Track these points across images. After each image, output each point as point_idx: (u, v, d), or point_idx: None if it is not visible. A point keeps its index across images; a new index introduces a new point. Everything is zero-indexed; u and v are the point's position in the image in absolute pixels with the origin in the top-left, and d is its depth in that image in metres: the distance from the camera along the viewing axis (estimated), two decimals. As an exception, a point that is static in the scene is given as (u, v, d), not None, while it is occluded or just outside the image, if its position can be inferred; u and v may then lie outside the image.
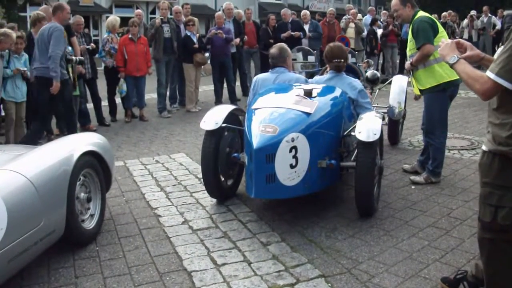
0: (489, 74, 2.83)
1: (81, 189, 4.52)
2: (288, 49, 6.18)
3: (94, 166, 4.70)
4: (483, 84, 2.86)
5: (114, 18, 10.96)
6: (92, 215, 4.68)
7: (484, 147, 3.07)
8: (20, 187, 3.68)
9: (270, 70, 6.16)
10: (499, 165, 2.95)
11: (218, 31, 11.48)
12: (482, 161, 3.07)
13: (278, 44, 6.35)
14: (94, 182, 4.73)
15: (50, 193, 3.93)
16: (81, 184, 4.52)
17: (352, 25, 14.89)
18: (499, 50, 2.99)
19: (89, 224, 4.59)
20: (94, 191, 4.73)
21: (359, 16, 16.33)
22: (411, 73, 6.04)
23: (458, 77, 5.72)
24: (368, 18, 16.58)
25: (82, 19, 10.06)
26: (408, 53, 6.03)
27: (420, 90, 5.99)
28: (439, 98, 5.82)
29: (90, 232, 4.55)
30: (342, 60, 5.77)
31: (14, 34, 7.73)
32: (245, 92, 13.27)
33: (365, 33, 15.27)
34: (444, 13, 17.97)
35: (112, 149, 5.27)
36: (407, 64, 6.07)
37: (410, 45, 5.92)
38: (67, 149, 4.44)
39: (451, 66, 3.17)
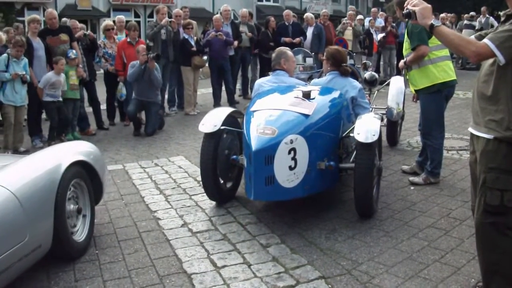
0: (489, 43, 3.00)
1: (71, 201, 4.31)
2: (288, 52, 6.20)
3: (83, 176, 4.49)
4: (479, 48, 3.04)
5: (106, 22, 11.05)
6: (82, 228, 4.47)
7: (486, 135, 3.15)
8: (3, 201, 3.45)
9: (271, 73, 6.20)
10: (505, 150, 3.08)
11: (219, 33, 11.47)
12: (487, 148, 3.16)
13: (280, 47, 6.43)
14: (83, 193, 4.54)
15: (36, 206, 3.72)
16: (71, 196, 4.31)
17: (349, 27, 14.89)
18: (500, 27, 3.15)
19: (80, 237, 4.38)
20: (83, 203, 4.53)
21: (360, 16, 16.31)
22: (404, 73, 6.09)
23: (453, 78, 5.77)
24: (380, 21, 16.63)
25: (78, 23, 10.12)
26: (404, 52, 6.06)
27: (416, 91, 6.02)
28: (435, 99, 5.83)
29: (80, 245, 4.34)
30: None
31: (3, 36, 7.78)
32: (245, 95, 13.27)
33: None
34: (442, 15, 18.00)
35: (103, 158, 5.09)
36: (401, 63, 6.10)
37: (406, 45, 5.95)
38: (54, 159, 4.20)
39: (434, 28, 3.19)
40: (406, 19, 3.48)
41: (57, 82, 8.55)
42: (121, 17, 11.75)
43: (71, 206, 4.27)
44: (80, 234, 4.41)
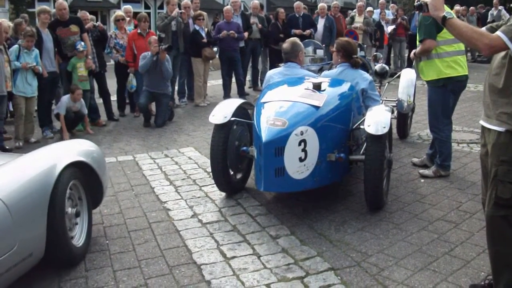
0: (502, 36, 2.98)
1: (68, 203, 4.00)
2: (301, 44, 6.21)
3: (81, 178, 4.20)
4: (492, 40, 3.01)
5: (117, 13, 11.06)
6: (80, 232, 4.20)
7: (498, 128, 3.14)
8: None
9: (283, 64, 6.19)
10: None
11: (231, 31, 11.45)
12: (499, 141, 3.14)
13: (291, 39, 6.41)
14: (81, 196, 4.27)
15: (26, 212, 3.43)
16: (68, 198, 4.00)
17: (360, 19, 14.78)
18: None
19: (78, 241, 4.11)
20: (81, 206, 4.26)
21: (370, 8, 16.17)
22: (415, 63, 6.09)
23: (461, 74, 5.72)
24: (389, 13, 16.55)
25: (88, 14, 10.14)
26: (417, 43, 6.04)
27: (426, 82, 6.01)
28: (440, 92, 5.82)
29: (79, 250, 4.06)
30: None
31: (6, 23, 7.82)
32: (255, 86, 13.26)
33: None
34: (457, 7, 17.86)
35: (104, 158, 4.78)
36: (412, 53, 6.10)
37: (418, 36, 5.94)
38: (49, 161, 3.88)
39: (447, 21, 3.16)
40: (418, 11, 3.43)
41: (73, 107, 8.63)
42: (128, 7, 11.70)
43: (69, 210, 4.00)
44: (78, 238, 4.15)
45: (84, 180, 4.27)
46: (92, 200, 4.44)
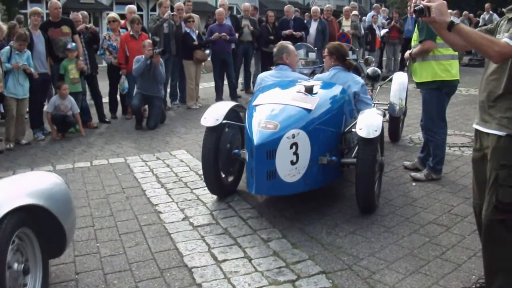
0: (510, 42, 2.92)
1: (14, 257, 3.20)
2: (289, 46, 6.20)
3: (32, 224, 3.33)
4: (502, 47, 2.93)
5: (111, 14, 11.03)
6: None
7: (498, 132, 3.11)
8: None
9: (274, 67, 6.20)
10: None
11: (222, 34, 11.44)
12: (499, 145, 3.12)
13: (281, 42, 6.45)
14: (33, 247, 3.41)
15: None
16: (15, 251, 3.23)
17: (347, 23, 14.79)
18: None
19: None
20: (33, 259, 3.40)
21: (355, 12, 16.14)
22: (408, 63, 6.10)
23: (454, 78, 5.74)
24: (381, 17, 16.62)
25: (80, 16, 10.10)
26: (412, 43, 6.05)
27: (417, 84, 6.02)
28: (436, 95, 5.83)
29: None
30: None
31: (4, 27, 7.83)
32: (247, 89, 13.25)
33: (362, 31, 15.23)
34: (449, 11, 17.89)
35: (69, 195, 3.81)
36: (407, 53, 6.11)
37: (415, 36, 5.95)
38: None
39: (454, 26, 3.01)
40: (414, 15, 3.27)
41: (62, 106, 8.59)
42: (133, 7, 11.58)
43: (15, 266, 3.19)
44: None
45: (40, 226, 3.43)
46: (52, 249, 3.61)
